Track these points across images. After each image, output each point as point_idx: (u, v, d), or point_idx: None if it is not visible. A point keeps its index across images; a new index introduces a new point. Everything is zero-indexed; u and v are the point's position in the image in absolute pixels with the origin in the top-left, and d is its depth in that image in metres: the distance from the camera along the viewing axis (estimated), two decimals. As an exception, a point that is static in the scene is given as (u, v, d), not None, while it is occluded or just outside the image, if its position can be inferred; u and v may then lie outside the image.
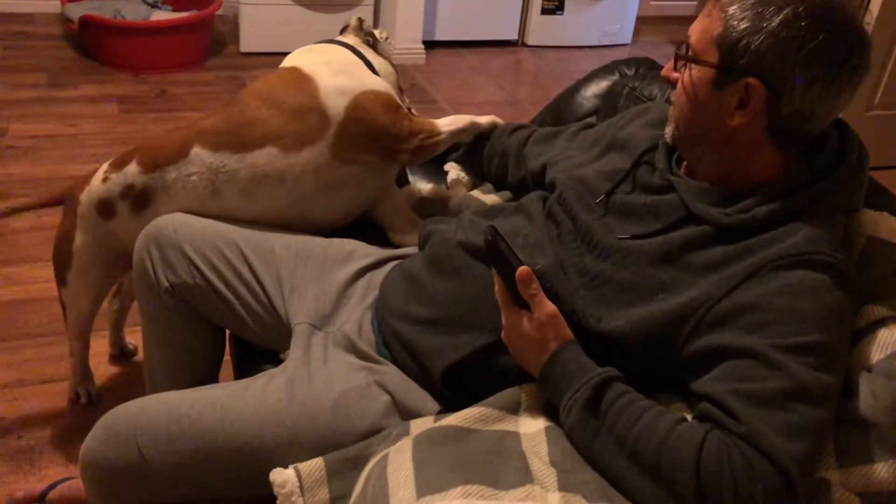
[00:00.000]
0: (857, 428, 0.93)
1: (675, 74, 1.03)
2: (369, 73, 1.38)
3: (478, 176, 1.53)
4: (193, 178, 1.28)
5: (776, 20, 0.90)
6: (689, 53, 0.99)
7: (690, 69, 0.98)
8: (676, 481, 0.84)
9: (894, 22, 2.88)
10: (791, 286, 0.89)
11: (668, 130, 1.06)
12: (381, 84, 1.35)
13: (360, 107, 1.29)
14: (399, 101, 1.36)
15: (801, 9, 0.89)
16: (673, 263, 0.97)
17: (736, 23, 0.92)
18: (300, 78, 1.31)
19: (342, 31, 1.49)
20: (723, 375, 0.89)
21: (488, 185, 1.52)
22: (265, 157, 1.27)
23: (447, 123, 1.39)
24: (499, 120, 1.47)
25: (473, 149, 1.49)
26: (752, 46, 0.91)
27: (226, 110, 1.33)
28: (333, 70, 1.33)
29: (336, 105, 1.29)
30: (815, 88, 0.91)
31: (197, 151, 1.28)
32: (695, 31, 0.99)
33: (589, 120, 1.54)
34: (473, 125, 1.43)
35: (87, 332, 1.58)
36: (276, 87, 1.32)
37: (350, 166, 1.33)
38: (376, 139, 1.31)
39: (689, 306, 0.93)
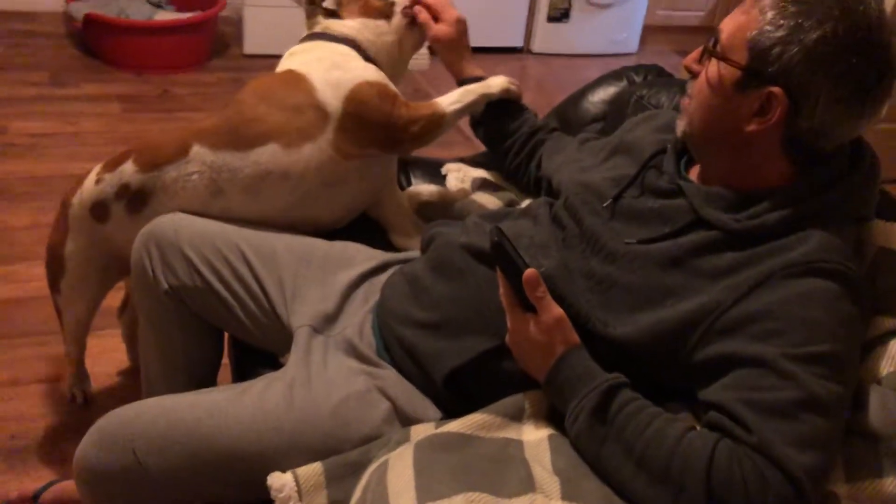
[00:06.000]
0: (866, 441, 0.91)
1: (698, 67, 1.01)
2: (361, 61, 1.34)
3: (494, 153, 1.50)
4: (194, 177, 1.27)
5: (814, 35, 0.88)
6: (718, 48, 0.97)
7: (718, 65, 0.96)
8: (686, 489, 0.83)
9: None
10: (802, 294, 0.88)
11: (681, 125, 1.04)
12: (374, 73, 1.32)
13: (357, 99, 1.28)
14: (395, 89, 1.34)
15: (841, 28, 0.88)
16: (681, 268, 0.96)
17: (772, 28, 0.91)
18: (294, 77, 1.30)
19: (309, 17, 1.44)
20: (732, 384, 0.88)
21: (489, 188, 1.50)
22: (268, 154, 1.26)
23: (452, 102, 1.35)
24: (513, 86, 1.41)
25: (494, 138, 1.47)
26: (785, 56, 0.90)
27: (224, 111, 1.32)
28: (325, 66, 1.31)
29: (333, 100, 1.27)
30: (838, 109, 0.90)
31: (197, 150, 1.27)
32: (727, 27, 0.97)
33: (591, 133, 1.52)
34: (483, 97, 1.38)
35: (83, 336, 1.57)
36: (272, 86, 1.31)
37: (352, 161, 1.31)
38: (376, 130, 1.30)
39: (698, 313, 0.92)
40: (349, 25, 1.37)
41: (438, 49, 1.44)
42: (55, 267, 1.43)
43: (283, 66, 1.36)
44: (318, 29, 1.39)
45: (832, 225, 0.93)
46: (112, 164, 1.33)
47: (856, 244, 0.97)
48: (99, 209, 1.33)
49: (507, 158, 1.45)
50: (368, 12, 1.39)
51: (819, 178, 0.95)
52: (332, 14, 1.38)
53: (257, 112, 1.27)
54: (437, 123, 1.33)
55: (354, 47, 1.36)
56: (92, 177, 1.35)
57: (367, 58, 1.36)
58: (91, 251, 1.39)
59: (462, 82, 1.43)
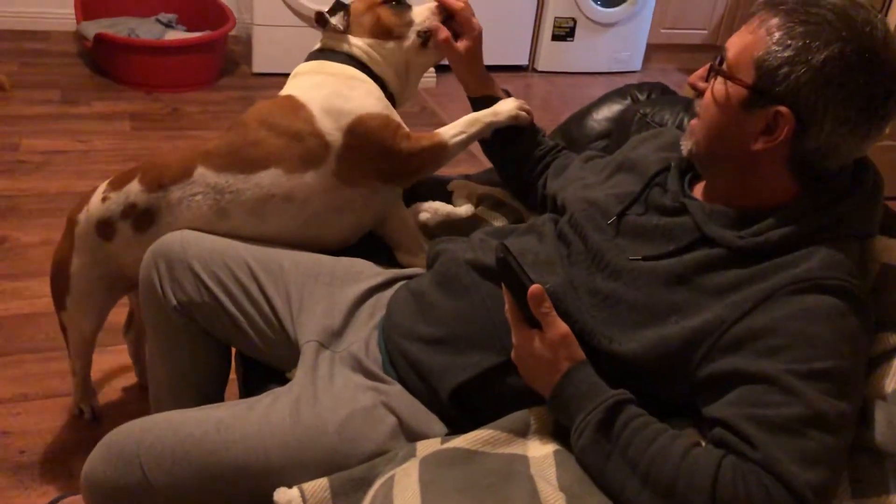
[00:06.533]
0: (872, 458, 0.91)
1: (704, 85, 1.02)
2: (363, 88, 1.32)
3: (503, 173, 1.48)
4: (198, 197, 1.28)
5: (821, 56, 0.89)
6: (724, 67, 0.97)
7: (724, 83, 0.97)
8: None
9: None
10: (806, 311, 0.88)
11: (687, 143, 1.05)
12: (376, 102, 1.31)
13: (357, 132, 1.28)
14: (397, 119, 1.32)
15: (848, 49, 0.88)
16: (685, 285, 0.96)
17: (779, 48, 0.91)
18: (294, 104, 1.30)
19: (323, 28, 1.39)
20: (737, 400, 0.88)
21: (494, 205, 1.51)
22: (270, 177, 1.27)
23: (456, 133, 1.34)
24: (522, 112, 1.38)
25: (504, 161, 1.45)
26: (792, 76, 0.90)
27: (227, 134, 1.32)
28: (325, 94, 1.30)
29: (333, 130, 1.27)
30: (844, 129, 0.91)
31: (201, 171, 1.28)
32: (733, 46, 0.97)
33: (595, 151, 1.52)
34: (489, 126, 1.36)
35: (89, 352, 1.57)
36: (273, 112, 1.30)
37: (357, 188, 1.32)
38: (377, 161, 1.30)
39: (703, 329, 0.92)
40: (357, 45, 1.36)
41: (455, 64, 1.41)
42: (61, 284, 1.43)
43: (287, 87, 1.36)
44: (325, 46, 1.39)
45: (836, 242, 0.94)
46: (118, 183, 1.34)
47: (859, 261, 0.98)
48: (104, 227, 1.34)
49: (515, 179, 1.46)
50: (379, 33, 1.36)
51: (823, 196, 0.96)
52: (342, 32, 1.36)
53: (258, 136, 1.28)
54: (440, 155, 1.33)
55: (361, 67, 1.35)
56: (98, 194, 1.36)
57: (375, 76, 1.36)
58: (96, 269, 1.39)
59: (475, 100, 1.43)
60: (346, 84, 1.32)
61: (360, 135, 1.28)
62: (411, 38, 1.37)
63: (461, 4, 1.37)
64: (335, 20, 1.35)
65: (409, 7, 1.38)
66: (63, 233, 1.43)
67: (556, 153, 1.42)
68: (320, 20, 1.36)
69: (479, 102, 1.42)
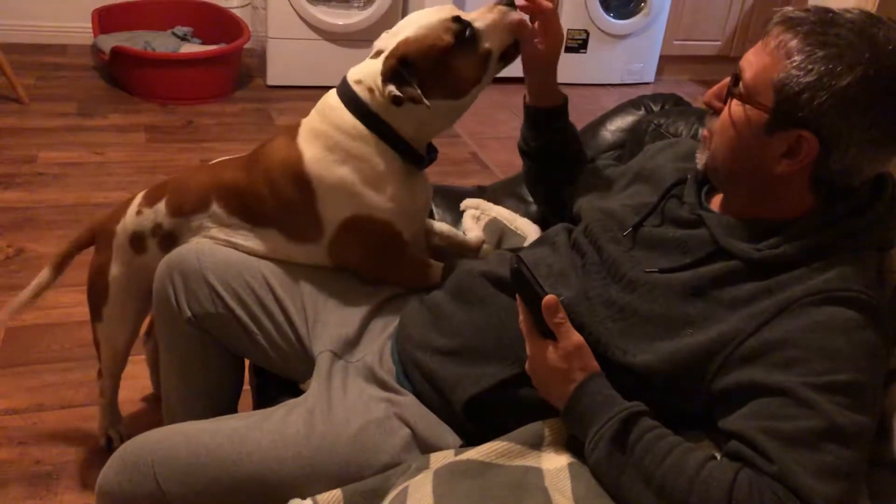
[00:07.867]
0: (891, 471, 0.90)
1: (720, 104, 1.00)
2: (381, 182, 1.19)
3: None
4: (213, 230, 1.30)
5: (845, 81, 0.87)
6: (741, 88, 0.95)
7: (743, 106, 0.95)
8: None
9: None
10: (822, 323, 0.87)
11: (702, 158, 1.04)
12: (382, 203, 1.19)
13: (350, 229, 1.22)
14: (398, 227, 1.22)
15: (872, 71, 0.87)
16: (701, 298, 0.96)
17: (800, 73, 0.89)
18: (302, 177, 1.21)
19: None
20: (753, 413, 0.87)
21: (497, 237, 1.49)
22: (272, 236, 1.27)
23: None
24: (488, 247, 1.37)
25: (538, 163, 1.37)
26: (815, 102, 0.88)
27: (243, 167, 1.29)
28: (336, 179, 1.19)
29: (329, 220, 1.22)
30: (870, 150, 0.90)
31: (215, 209, 1.29)
32: (750, 66, 0.95)
33: (609, 160, 1.51)
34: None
35: (120, 371, 1.57)
36: (282, 172, 1.23)
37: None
38: (363, 259, 1.27)
39: (718, 342, 0.91)
40: (408, 119, 1.17)
41: (538, 64, 1.22)
42: (98, 293, 1.44)
43: (311, 128, 1.22)
44: (380, 114, 1.17)
45: (854, 253, 0.93)
46: (151, 199, 1.36)
47: (878, 273, 0.97)
48: (137, 241, 1.36)
49: (550, 191, 1.38)
50: (458, 91, 1.17)
51: (841, 208, 0.95)
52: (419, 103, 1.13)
53: (263, 193, 1.25)
54: (422, 281, 1.27)
55: (395, 142, 1.19)
56: (134, 206, 1.37)
57: (408, 149, 1.20)
58: (130, 279, 1.40)
59: (530, 109, 1.30)
60: (364, 176, 1.19)
61: (352, 231, 1.22)
62: (493, 67, 1.18)
63: (550, 5, 1.16)
64: (409, 94, 1.12)
65: (470, 25, 1.15)
66: (97, 245, 1.43)
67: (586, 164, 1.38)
68: (397, 102, 1.13)
69: (541, 114, 1.30)
